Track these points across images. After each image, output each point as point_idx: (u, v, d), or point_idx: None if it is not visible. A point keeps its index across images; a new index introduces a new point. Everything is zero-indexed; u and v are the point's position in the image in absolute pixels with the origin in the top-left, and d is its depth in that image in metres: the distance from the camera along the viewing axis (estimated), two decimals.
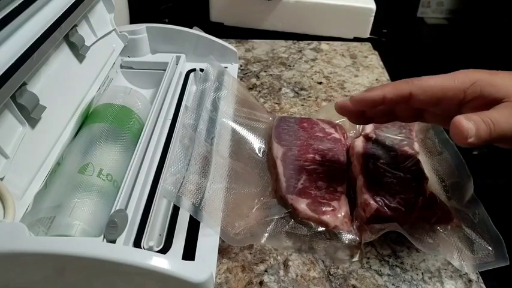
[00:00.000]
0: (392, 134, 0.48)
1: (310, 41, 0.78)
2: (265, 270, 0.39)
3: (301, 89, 0.65)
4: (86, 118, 0.46)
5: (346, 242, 0.39)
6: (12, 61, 0.35)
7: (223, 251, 0.40)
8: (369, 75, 0.69)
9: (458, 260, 0.38)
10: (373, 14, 0.79)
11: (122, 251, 0.30)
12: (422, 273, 0.39)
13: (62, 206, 0.35)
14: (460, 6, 1.47)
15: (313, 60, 0.73)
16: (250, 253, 0.40)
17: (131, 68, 0.59)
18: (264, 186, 0.45)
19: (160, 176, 0.40)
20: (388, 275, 0.39)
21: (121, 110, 0.47)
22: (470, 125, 0.30)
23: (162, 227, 0.37)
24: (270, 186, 0.45)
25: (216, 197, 0.38)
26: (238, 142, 0.47)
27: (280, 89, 0.65)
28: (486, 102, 0.32)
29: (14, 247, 0.29)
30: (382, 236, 0.39)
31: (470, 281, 0.38)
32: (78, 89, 0.47)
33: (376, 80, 0.68)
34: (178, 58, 0.57)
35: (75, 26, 0.47)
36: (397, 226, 0.38)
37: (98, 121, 0.44)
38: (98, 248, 0.29)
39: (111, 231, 0.33)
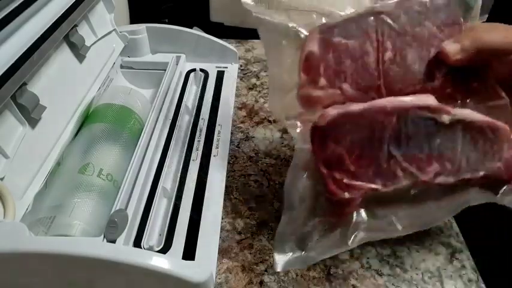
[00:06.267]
0: None
1: None
2: (265, 270, 0.39)
3: None
4: (86, 118, 0.46)
5: None
6: (13, 61, 0.35)
7: (223, 251, 0.40)
8: None
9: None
10: None
11: (122, 251, 0.30)
12: (422, 273, 0.39)
13: (62, 205, 0.35)
14: None
15: None
16: (250, 253, 0.40)
17: (131, 68, 0.59)
18: None
19: (160, 176, 0.40)
20: (388, 275, 0.39)
21: (121, 110, 0.47)
22: (455, 44, 0.31)
23: (162, 227, 0.37)
24: None
25: None
26: None
27: None
28: None
29: (14, 247, 0.29)
30: None
31: (470, 281, 0.38)
32: (78, 89, 0.47)
33: None
34: (178, 58, 0.57)
35: (75, 26, 0.47)
36: None
37: (98, 121, 0.44)
38: (98, 248, 0.29)
39: (111, 231, 0.33)
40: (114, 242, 0.32)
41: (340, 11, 0.34)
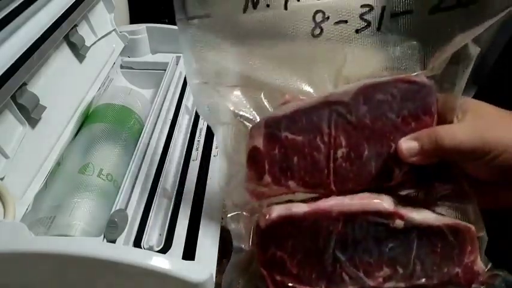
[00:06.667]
0: None
1: None
2: None
3: None
4: (86, 118, 0.46)
5: None
6: (13, 61, 0.35)
7: (224, 251, 0.40)
8: None
9: None
10: None
11: (122, 251, 0.30)
12: None
13: (62, 205, 0.35)
14: None
15: None
16: None
17: (131, 68, 0.59)
18: None
19: (160, 176, 0.40)
20: None
21: (121, 110, 0.47)
22: (414, 143, 0.28)
23: (162, 227, 0.37)
24: None
25: None
26: None
27: None
28: None
29: (14, 247, 0.29)
30: None
31: None
32: (78, 89, 0.47)
33: None
34: (178, 58, 0.57)
35: (75, 26, 0.47)
36: None
37: (98, 121, 0.44)
38: (98, 248, 0.29)
39: (111, 231, 0.33)
40: (114, 242, 0.32)
41: (297, 88, 0.30)
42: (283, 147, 0.29)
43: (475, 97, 0.29)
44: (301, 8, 0.28)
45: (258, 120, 0.31)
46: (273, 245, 0.29)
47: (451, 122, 0.28)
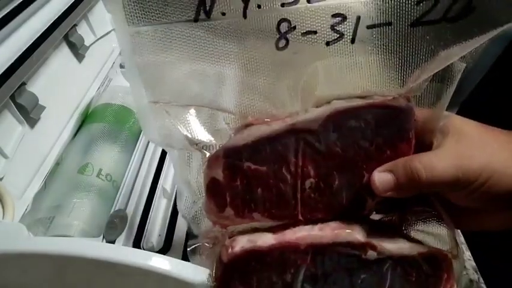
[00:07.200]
0: None
1: None
2: None
3: None
4: (85, 118, 0.46)
5: None
6: (12, 61, 0.35)
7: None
8: None
9: None
10: None
11: (122, 251, 0.30)
12: None
13: (62, 206, 0.35)
14: None
15: None
16: None
17: None
18: None
19: (160, 176, 0.40)
20: None
21: (120, 109, 0.47)
22: (388, 176, 0.25)
23: (162, 227, 0.36)
24: None
25: None
26: None
27: None
28: None
29: (13, 247, 0.29)
30: None
31: (471, 281, 0.38)
32: (78, 89, 0.47)
33: None
34: None
35: (75, 25, 0.47)
36: None
37: (98, 121, 0.44)
38: (97, 248, 0.29)
39: (110, 231, 0.33)
40: (113, 242, 0.32)
41: (260, 109, 0.26)
42: (246, 178, 0.27)
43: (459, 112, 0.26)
44: (263, 16, 0.24)
45: (216, 145, 0.28)
46: (236, 280, 0.27)
47: (430, 144, 0.26)
